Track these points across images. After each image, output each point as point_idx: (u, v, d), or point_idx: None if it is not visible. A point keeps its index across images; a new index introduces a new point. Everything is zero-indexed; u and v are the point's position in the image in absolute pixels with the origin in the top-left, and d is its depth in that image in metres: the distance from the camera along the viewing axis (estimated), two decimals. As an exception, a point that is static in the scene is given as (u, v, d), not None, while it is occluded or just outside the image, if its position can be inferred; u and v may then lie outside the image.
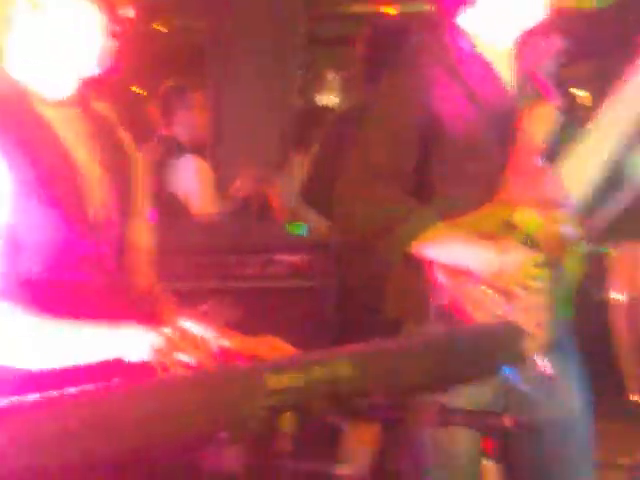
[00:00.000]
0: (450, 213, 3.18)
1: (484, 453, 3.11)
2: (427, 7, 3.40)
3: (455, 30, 3.28)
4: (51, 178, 2.53)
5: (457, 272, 3.15)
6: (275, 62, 7.80)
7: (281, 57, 7.83)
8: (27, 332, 2.39)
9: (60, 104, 2.63)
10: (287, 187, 6.25)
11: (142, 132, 6.13)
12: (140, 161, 2.90)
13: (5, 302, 2.38)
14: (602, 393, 6.36)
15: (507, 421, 2.54)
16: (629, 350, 5.86)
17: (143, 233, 2.78)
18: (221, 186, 6.68)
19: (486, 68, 3.28)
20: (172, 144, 6.40)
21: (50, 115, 2.59)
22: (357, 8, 10.02)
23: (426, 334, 3.11)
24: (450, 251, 3.16)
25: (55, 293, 2.49)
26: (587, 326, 5.62)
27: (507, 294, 3.14)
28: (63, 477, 1.92)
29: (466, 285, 3.15)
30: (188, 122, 6.49)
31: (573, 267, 3.35)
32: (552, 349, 3.18)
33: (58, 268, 2.52)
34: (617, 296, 5.72)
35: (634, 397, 5.74)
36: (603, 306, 5.94)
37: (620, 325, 5.84)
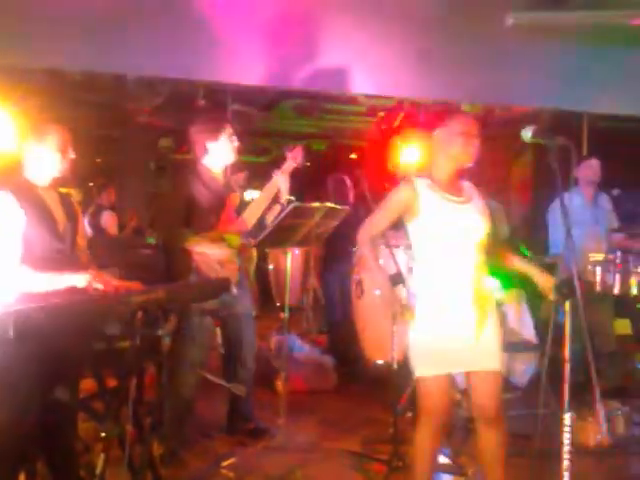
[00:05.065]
0: (200, 233, 3.10)
1: (217, 326, 3.20)
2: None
3: (202, 164, 3.23)
4: (42, 218, 2.46)
5: (202, 255, 3.09)
6: (145, 174, 7.69)
7: (146, 173, 7.69)
8: (35, 278, 2.30)
9: (46, 188, 2.53)
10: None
11: (88, 201, 6.10)
12: (81, 214, 2.75)
13: (25, 266, 2.31)
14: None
15: (226, 313, 2.83)
16: (275, 287, 5.03)
17: (82, 240, 2.66)
18: (120, 222, 6.41)
19: (213, 177, 3.24)
20: (101, 206, 6.17)
21: (42, 193, 2.52)
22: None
23: (189, 280, 3.01)
24: (200, 247, 3.09)
25: (47, 263, 2.39)
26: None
27: (222, 265, 3.10)
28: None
29: (205, 260, 3.10)
30: (108, 198, 6.30)
31: (248, 256, 3.36)
32: (238, 284, 3.16)
33: (47, 252, 2.45)
34: (270, 267, 4.94)
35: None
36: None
37: (272, 279, 5.05)
